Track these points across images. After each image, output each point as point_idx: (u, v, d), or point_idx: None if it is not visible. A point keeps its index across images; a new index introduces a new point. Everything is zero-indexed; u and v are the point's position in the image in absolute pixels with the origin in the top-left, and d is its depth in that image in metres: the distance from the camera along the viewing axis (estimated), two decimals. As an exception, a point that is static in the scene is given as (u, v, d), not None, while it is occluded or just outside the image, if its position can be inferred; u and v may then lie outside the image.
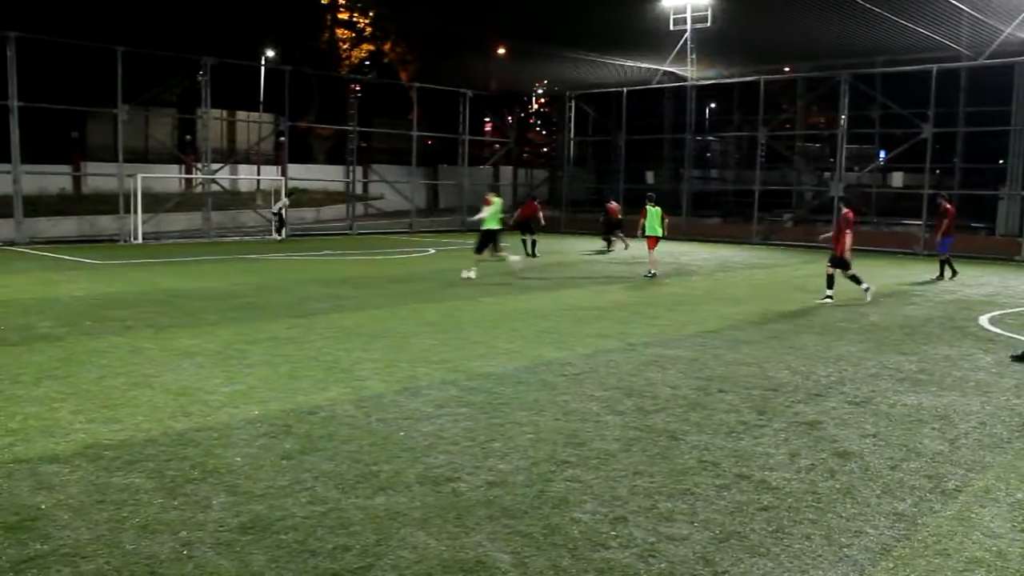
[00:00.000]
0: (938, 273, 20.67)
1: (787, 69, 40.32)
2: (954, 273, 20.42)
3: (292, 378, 8.89)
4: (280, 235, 30.72)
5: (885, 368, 10.10)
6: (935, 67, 30.04)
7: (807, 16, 29.84)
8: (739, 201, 41.42)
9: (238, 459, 6.26)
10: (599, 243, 28.93)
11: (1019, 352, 10.75)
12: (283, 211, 30.86)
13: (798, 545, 4.99)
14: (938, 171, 38.59)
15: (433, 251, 27.49)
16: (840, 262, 15.82)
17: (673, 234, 35.75)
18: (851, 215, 15.93)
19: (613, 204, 29.32)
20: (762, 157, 35.51)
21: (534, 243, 25.91)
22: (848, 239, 15.64)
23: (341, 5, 46.69)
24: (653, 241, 20.43)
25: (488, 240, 19.30)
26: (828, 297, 15.82)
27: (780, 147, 39.74)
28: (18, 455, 6.27)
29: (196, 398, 7.98)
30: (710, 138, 52.15)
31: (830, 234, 16.16)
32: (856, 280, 16.07)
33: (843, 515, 5.45)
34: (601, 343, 11.32)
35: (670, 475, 6.14)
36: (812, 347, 11.32)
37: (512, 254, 20.28)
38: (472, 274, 18.90)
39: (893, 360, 10.60)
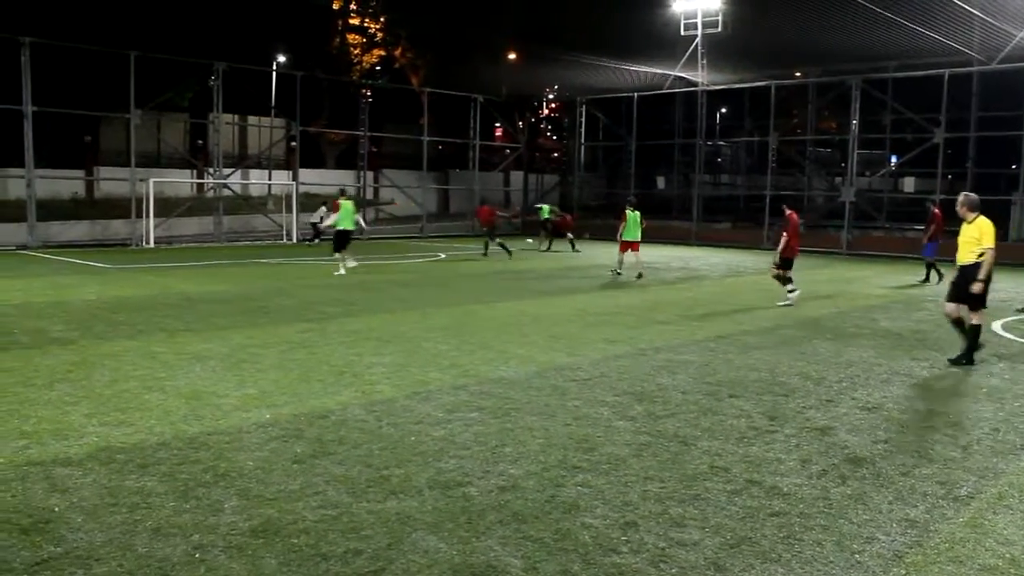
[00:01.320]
0: (924, 276, 21.12)
1: (798, 74, 40.24)
2: (940, 277, 20.53)
3: (303, 382, 8.92)
4: (313, 242, 30.85)
5: (897, 374, 10.07)
6: (947, 71, 30.00)
7: (818, 21, 29.79)
8: (750, 206, 41.37)
9: (249, 463, 6.29)
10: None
11: (954, 356, 10.81)
12: (321, 220, 30.86)
13: (809, 551, 4.97)
14: (950, 176, 38.45)
15: (444, 256, 27.52)
16: (785, 262, 16.34)
17: (684, 239, 35.87)
18: (795, 216, 16.58)
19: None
20: (773, 162, 35.46)
21: (501, 244, 26.86)
22: (788, 240, 16.18)
23: (352, 10, 46.86)
24: (632, 245, 21.27)
25: (344, 239, 20.81)
26: (790, 293, 16.30)
27: (791, 152, 39.69)
28: (32, 457, 6.31)
29: (208, 402, 8.00)
30: (721, 143, 52.13)
31: (783, 242, 16.45)
32: (788, 281, 16.31)
33: (855, 521, 5.43)
34: (611, 348, 11.31)
35: (681, 480, 6.13)
36: (823, 352, 11.29)
37: (353, 259, 21.28)
38: (343, 271, 20.36)
39: (905, 365, 10.56)
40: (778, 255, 16.34)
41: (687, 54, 36.52)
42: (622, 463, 6.48)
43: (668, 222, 38.81)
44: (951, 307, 10.67)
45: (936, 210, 21.02)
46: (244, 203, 36.43)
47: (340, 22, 46.64)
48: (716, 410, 8.14)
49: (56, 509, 5.34)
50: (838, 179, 43.12)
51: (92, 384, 8.65)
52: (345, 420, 7.46)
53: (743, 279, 21.91)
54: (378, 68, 48.98)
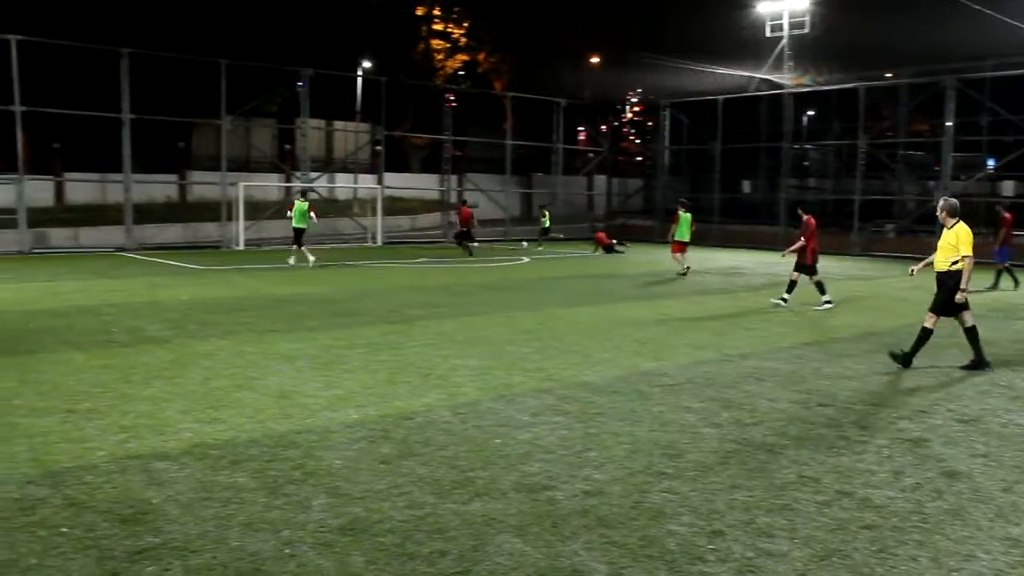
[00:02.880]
0: (992, 283, 20.68)
1: (888, 75, 39.26)
2: (1016, 283, 20.26)
3: (389, 383, 9.02)
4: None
5: (996, 385, 9.72)
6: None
7: (911, 20, 29.02)
8: (838, 211, 40.47)
9: (337, 462, 6.38)
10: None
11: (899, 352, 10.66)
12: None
13: (904, 567, 4.83)
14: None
15: (527, 259, 27.58)
16: (805, 268, 16.13)
17: (770, 244, 35.25)
18: (812, 222, 16.24)
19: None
20: (862, 166, 34.63)
21: (468, 245, 28.63)
22: (799, 244, 16.10)
23: (436, 16, 47.33)
24: (681, 246, 22.18)
25: (298, 236, 23.32)
26: (783, 299, 16.30)
27: (881, 155, 38.67)
28: (131, 451, 6.52)
29: (296, 401, 8.16)
30: (808, 147, 51.12)
31: (798, 244, 16.35)
32: (821, 288, 16.28)
33: (952, 538, 5.26)
34: (697, 354, 11.19)
35: (769, 490, 6.02)
36: (916, 361, 10.96)
37: (310, 256, 23.06)
38: (292, 261, 23.16)
39: (1005, 377, 10.18)
40: (805, 264, 16.09)
41: (773, 56, 35.99)
42: (708, 470, 6.40)
43: (754, 227, 38.23)
44: (933, 319, 10.39)
45: (1006, 214, 20.83)
46: (330, 206, 37.03)
47: (424, 28, 47.17)
48: (804, 418, 7.97)
49: (154, 501, 5.50)
50: (931, 183, 41.89)
51: (186, 382, 8.90)
52: (431, 422, 7.53)
53: (831, 286, 21.41)
54: (461, 73, 49.39)
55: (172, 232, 31.88)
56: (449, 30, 47.91)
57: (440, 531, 5.14)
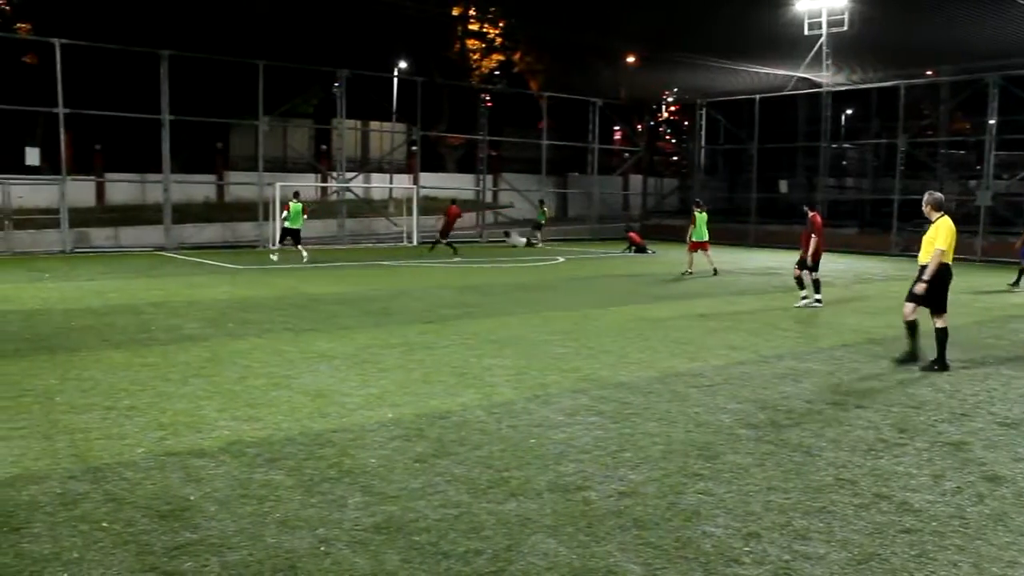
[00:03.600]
0: (1015, 280, 20.82)
1: (929, 73, 38.70)
2: (1017, 282, 20.53)
3: (425, 383, 9.05)
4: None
5: (1038, 387, 9.55)
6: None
7: (952, 16, 28.57)
8: (877, 211, 39.99)
9: (372, 460, 6.42)
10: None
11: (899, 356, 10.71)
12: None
13: (943, 572, 4.76)
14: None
15: (562, 259, 27.56)
16: (807, 264, 16.28)
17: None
18: (818, 219, 16.46)
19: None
20: (902, 165, 34.19)
21: (450, 243, 28.67)
22: (814, 242, 16.17)
23: (472, 16, 47.40)
24: (702, 245, 22.49)
25: (288, 234, 24.40)
26: (804, 298, 16.37)
27: (921, 154, 38.16)
28: (169, 448, 6.60)
29: (332, 400, 8.21)
30: (846, 145, 50.57)
31: (813, 244, 16.38)
32: (816, 287, 16.41)
33: (994, 543, 5.17)
34: (733, 354, 11.11)
35: (805, 492, 5.96)
36: (956, 364, 10.80)
37: (305, 251, 24.19)
38: (275, 258, 24.56)
39: (1047, 379, 10.01)
40: (809, 258, 16.25)
41: (811, 54, 35.61)
42: (744, 472, 6.35)
43: (791, 227, 37.86)
44: (909, 307, 10.48)
45: None
46: (366, 206, 37.25)
47: (460, 28, 47.24)
48: (842, 420, 7.89)
49: (191, 498, 5.57)
50: (972, 182, 41.24)
51: (223, 380, 8.99)
52: (466, 421, 7.54)
53: (870, 285, 21.20)
54: (497, 73, 49.41)
55: (210, 232, 32.22)
56: (485, 30, 47.95)
57: (475, 530, 5.15)
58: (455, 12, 47.07)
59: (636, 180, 47.80)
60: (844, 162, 51.74)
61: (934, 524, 5.43)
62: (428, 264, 24.64)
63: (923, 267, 10.25)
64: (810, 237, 16.22)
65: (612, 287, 19.55)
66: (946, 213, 10.28)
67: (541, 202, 36.35)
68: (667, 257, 29.18)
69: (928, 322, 10.47)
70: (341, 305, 15.22)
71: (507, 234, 34.88)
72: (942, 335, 10.37)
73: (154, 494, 5.63)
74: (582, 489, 5.89)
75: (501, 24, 47.74)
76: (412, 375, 9.42)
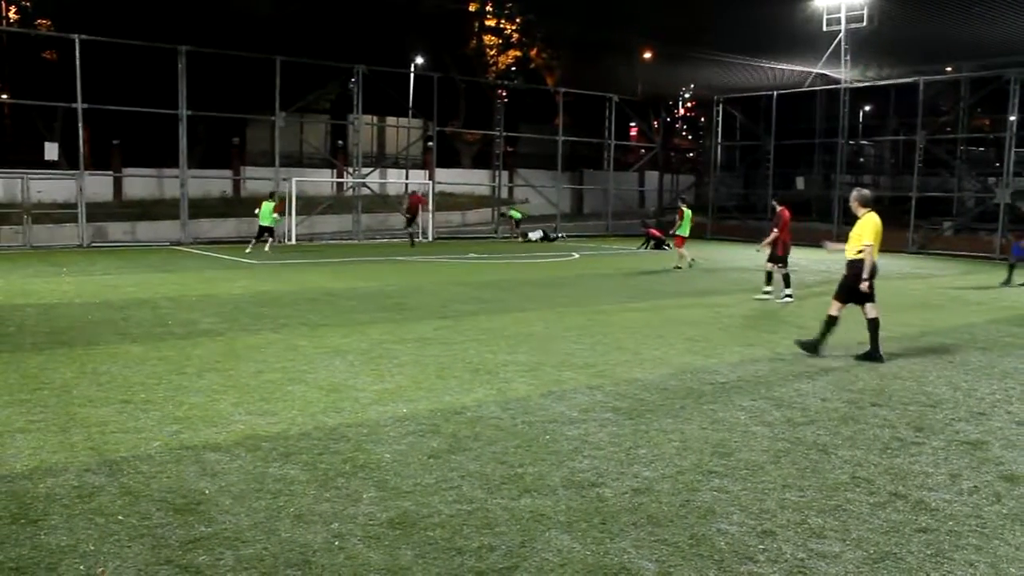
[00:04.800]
0: (1006, 278, 20.80)
1: (949, 69, 38.41)
2: (1008, 280, 20.57)
3: (439, 378, 9.06)
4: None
5: (1057, 386, 9.47)
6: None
7: (973, 12, 28.33)
8: (895, 208, 39.75)
9: (387, 455, 6.43)
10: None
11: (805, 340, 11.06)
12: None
13: (960, 572, 4.72)
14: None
15: (577, 256, 27.52)
16: (778, 258, 16.53)
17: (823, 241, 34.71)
18: (786, 213, 16.67)
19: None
20: (920, 162, 33.96)
21: (412, 234, 30.47)
22: (782, 236, 16.38)
23: (488, 12, 47.36)
24: (682, 240, 23.65)
25: (263, 231, 25.63)
26: (766, 294, 16.73)
27: (940, 151, 37.88)
28: (184, 442, 6.63)
29: (347, 395, 8.23)
30: (864, 142, 50.30)
31: (772, 236, 16.81)
32: (786, 281, 16.64)
33: (1012, 543, 5.12)
34: (748, 352, 11.07)
35: (821, 490, 5.94)
36: (974, 362, 10.74)
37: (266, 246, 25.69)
38: (249, 249, 25.40)
39: (1066, 378, 9.93)
40: (766, 249, 16.66)
41: (829, 50, 35.39)
42: (759, 469, 6.33)
43: (808, 224, 37.72)
44: (837, 306, 10.80)
45: None
46: (382, 202, 37.31)
47: (476, 24, 47.22)
48: (858, 418, 7.85)
49: (206, 492, 5.59)
50: (991, 179, 40.92)
51: (239, 374, 9.02)
52: (480, 417, 7.54)
53: (887, 283, 21.05)
54: (513, 69, 49.36)
55: (226, 227, 32.36)
56: (502, 26, 47.90)
57: (489, 526, 5.15)
58: (472, 8, 47.05)
59: (652, 176, 47.67)
60: (862, 159, 51.50)
61: (950, 523, 5.39)
62: (443, 260, 24.65)
63: (851, 262, 10.57)
64: (778, 231, 16.51)
65: (627, 283, 19.51)
66: (873, 209, 10.65)
67: (516, 201, 36.35)
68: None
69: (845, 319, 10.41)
70: (356, 300, 15.26)
71: (525, 235, 34.86)
72: (874, 325, 10.65)
73: (169, 488, 5.65)
74: (596, 486, 5.88)
75: (518, 20, 47.68)
76: (427, 371, 9.43)
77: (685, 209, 23.67)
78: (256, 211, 25.63)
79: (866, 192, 10.80)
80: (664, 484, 5.95)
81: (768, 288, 16.88)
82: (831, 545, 5.01)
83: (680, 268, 23.31)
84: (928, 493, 5.93)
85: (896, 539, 5.13)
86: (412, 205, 30.40)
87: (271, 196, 26.39)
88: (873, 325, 10.63)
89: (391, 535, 4.99)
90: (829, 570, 4.69)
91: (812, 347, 10.86)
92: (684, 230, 23.56)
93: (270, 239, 26.11)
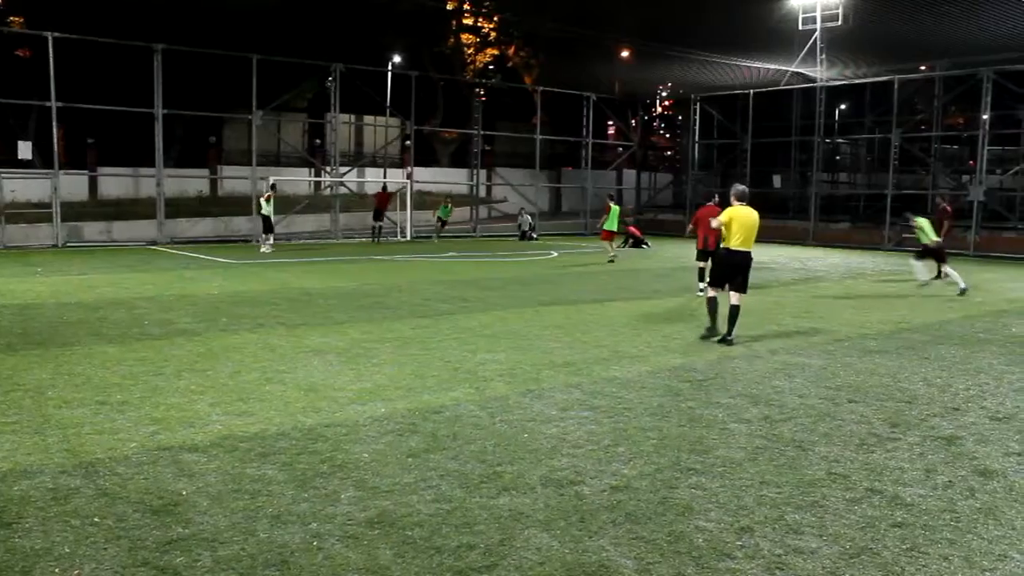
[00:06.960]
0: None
1: (923, 67, 38.73)
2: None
3: (418, 377, 9.05)
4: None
5: (1030, 382, 9.58)
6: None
7: (946, 11, 28.57)
8: (870, 206, 40.08)
9: (365, 455, 6.41)
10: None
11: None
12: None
13: (935, 566, 4.78)
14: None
15: (556, 254, 27.55)
16: (704, 254, 16.47)
17: (801, 239, 35.01)
18: (716, 210, 16.42)
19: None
20: (895, 160, 34.24)
21: (380, 229, 31.27)
22: (703, 231, 16.49)
23: (466, 11, 47.30)
24: (610, 234, 24.81)
25: (267, 225, 26.46)
26: (702, 291, 16.47)
27: (915, 149, 38.20)
28: (161, 443, 6.59)
29: (325, 395, 8.21)
30: (840, 140, 50.63)
31: (691, 228, 17.58)
32: (701, 275, 16.70)
33: (985, 537, 5.19)
34: (727, 349, 11.12)
35: (798, 486, 5.98)
36: (949, 358, 10.85)
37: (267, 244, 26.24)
38: (264, 248, 26.01)
39: (1038, 374, 10.04)
40: (702, 249, 16.69)
41: (805, 49, 35.61)
42: (737, 466, 6.36)
43: (784, 222, 37.96)
44: (714, 290, 11.81)
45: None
46: (360, 200, 37.20)
47: (454, 22, 47.16)
48: (834, 415, 7.91)
49: (184, 493, 5.56)
50: (965, 177, 41.31)
51: (216, 375, 8.98)
52: (459, 416, 7.54)
53: (863, 281, 21.24)
54: (491, 67, 49.34)
55: (203, 226, 32.18)
56: (479, 24, 47.87)
57: (468, 525, 5.15)
58: (450, 6, 46.98)
59: (630, 175, 47.79)
60: (838, 157, 51.83)
61: (925, 518, 5.45)
62: (422, 259, 24.61)
63: (740, 252, 11.33)
64: (704, 226, 16.53)
65: (605, 281, 19.55)
66: (747, 205, 11.36)
67: (447, 197, 35.90)
68: (661, 251, 29.21)
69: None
70: (334, 300, 15.21)
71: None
72: (735, 311, 11.48)
73: (146, 489, 5.62)
74: (575, 483, 5.90)
75: (496, 19, 47.66)
76: (405, 370, 9.41)
77: (613, 205, 24.87)
78: (260, 211, 26.21)
79: (743, 187, 11.51)
80: (642, 482, 5.98)
81: (703, 285, 16.77)
82: (808, 541, 5.05)
83: (613, 262, 24.21)
84: (903, 488, 5.98)
85: (872, 534, 5.17)
86: (379, 203, 31.16)
87: (272, 189, 27.50)
88: (735, 311, 11.48)
89: (370, 535, 4.98)
90: (806, 566, 4.73)
91: (711, 333, 11.81)
92: (611, 224, 24.66)
93: (266, 237, 26.51)
